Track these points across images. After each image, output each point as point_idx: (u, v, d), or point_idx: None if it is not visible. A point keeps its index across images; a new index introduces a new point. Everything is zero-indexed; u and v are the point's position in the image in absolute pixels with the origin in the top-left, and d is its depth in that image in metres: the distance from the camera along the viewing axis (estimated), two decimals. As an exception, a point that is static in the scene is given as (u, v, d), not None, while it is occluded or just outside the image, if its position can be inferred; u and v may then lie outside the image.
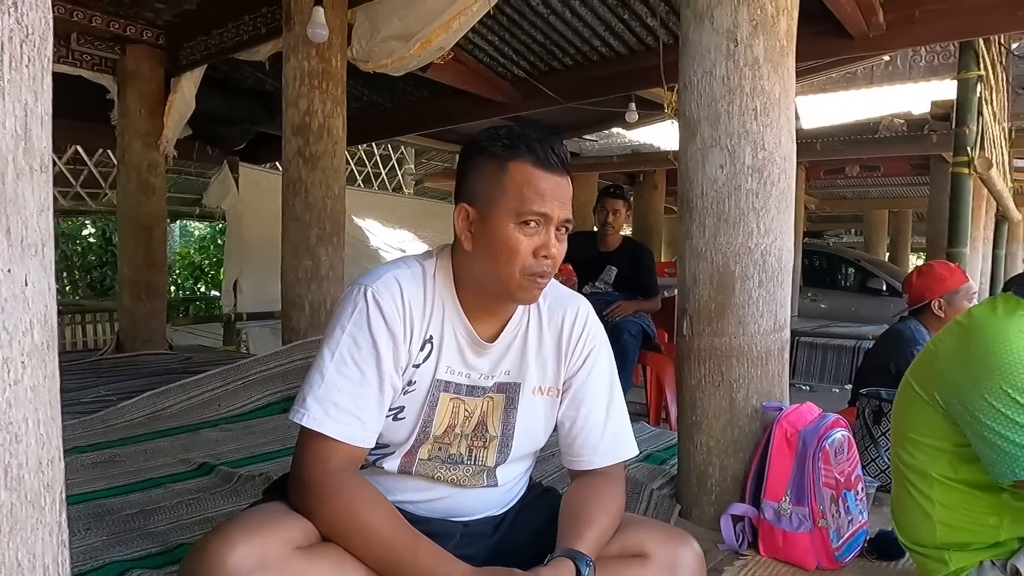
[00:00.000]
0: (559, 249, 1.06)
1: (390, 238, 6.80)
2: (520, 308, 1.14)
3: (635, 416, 3.39)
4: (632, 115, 4.57)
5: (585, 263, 3.74)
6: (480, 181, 1.05)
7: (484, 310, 1.10)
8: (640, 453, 2.59)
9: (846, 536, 1.60)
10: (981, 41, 3.37)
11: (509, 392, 1.14)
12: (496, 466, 1.14)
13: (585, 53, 3.93)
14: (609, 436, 1.19)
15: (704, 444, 1.83)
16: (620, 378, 3.74)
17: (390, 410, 1.06)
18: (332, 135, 3.18)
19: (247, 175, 5.92)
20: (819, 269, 9.40)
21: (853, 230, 14.96)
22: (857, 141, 6.01)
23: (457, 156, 3.95)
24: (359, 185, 9.86)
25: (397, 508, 1.13)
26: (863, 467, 2.19)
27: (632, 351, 3.38)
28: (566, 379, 1.19)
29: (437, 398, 1.08)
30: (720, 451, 1.80)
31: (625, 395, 3.63)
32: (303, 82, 3.12)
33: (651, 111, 4.62)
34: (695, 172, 1.82)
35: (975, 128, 3.18)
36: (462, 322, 1.09)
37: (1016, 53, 4.88)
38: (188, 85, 4.20)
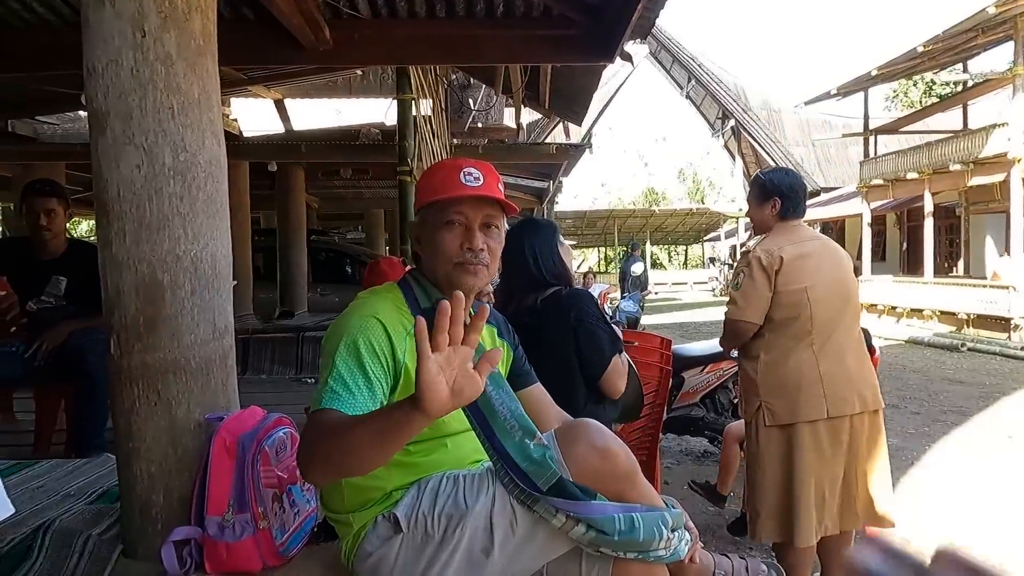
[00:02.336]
0: None
1: None
2: None
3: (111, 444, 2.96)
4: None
5: (24, 274, 3.08)
6: None
7: None
8: (93, 492, 2.26)
9: (292, 529, 1.66)
10: (418, 68, 3.98)
11: None
12: None
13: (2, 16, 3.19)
14: None
15: (145, 471, 1.66)
16: (92, 410, 3.17)
17: None
18: None
19: None
20: (326, 265, 9.91)
21: (359, 227, 16.35)
22: (341, 146, 6.50)
23: None
24: None
25: None
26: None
27: (101, 375, 2.90)
28: None
29: None
30: (163, 475, 1.67)
31: (106, 427, 3.07)
32: None
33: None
34: (109, 171, 1.63)
35: (413, 142, 3.76)
36: None
37: (454, 84, 6.00)
38: None
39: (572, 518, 1.21)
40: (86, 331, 2.93)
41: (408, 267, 1.97)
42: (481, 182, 1.37)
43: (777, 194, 2.38)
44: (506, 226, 1.49)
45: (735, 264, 2.51)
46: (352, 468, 1.14)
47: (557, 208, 21.22)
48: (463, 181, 1.36)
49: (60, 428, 3.20)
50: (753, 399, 2.33)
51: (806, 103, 19.48)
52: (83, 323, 2.94)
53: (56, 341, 2.92)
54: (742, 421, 3.57)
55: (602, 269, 33.51)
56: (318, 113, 7.23)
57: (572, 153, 6.80)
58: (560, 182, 10.10)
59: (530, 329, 2.11)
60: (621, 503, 1.25)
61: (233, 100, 6.41)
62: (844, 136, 20.72)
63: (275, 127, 6.81)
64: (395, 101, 4.41)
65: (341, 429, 1.11)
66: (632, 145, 61.45)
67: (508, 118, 8.15)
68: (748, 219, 2.56)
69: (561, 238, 2.40)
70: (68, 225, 3.20)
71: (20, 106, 5.57)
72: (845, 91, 16.77)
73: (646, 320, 12.83)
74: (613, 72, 15.92)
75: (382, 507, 1.36)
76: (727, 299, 2.49)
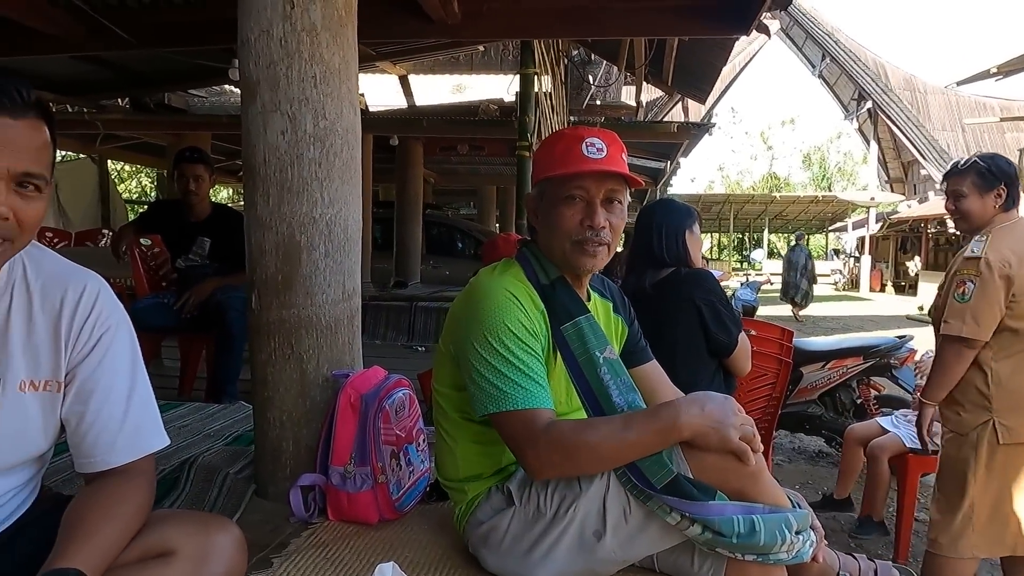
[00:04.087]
0: (11, 204, 0.88)
1: None
2: None
3: (243, 395, 3.22)
4: (235, 72, 4.23)
5: (174, 234, 3.37)
6: None
7: None
8: (229, 435, 2.46)
9: (407, 486, 1.73)
10: (541, 43, 3.95)
11: None
12: None
13: (165, -7, 3.47)
14: (129, 429, 1.06)
15: (277, 419, 1.79)
16: (229, 360, 3.45)
17: None
18: None
19: None
20: (439, 238, 10.15)
21: (471, 203, 16.66)
22: (459, 121, 6.60)
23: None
24: None
25: None
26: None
27: (239, 329, 3.15)
28: (69, 370, 1.03)
29: None
30: (293, 424, 1.78)
31: (239, 377, 3.34)
32: None
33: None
34: (257, 137, 1.73)
35: (533, 118, 3.75)
36: None
37: (574, 60, 5.92)
38: None
39: (687, 518, 1.15)
40: (228, 288, 3.18)
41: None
42: (604, 154, 1.29)
43: (1005, 181, 2.05)
44: (628, 199, 1.43)
45: (955, 269, 2.15)
46: (600, 469, 1.24)
47: (671, 190, 20.62)
48: (585, 153, 1.29)
49: (201, 375, 3.51)
50: (981, 412, 2.05)
51: (959, 83, 17.63)
52: (225, 280, 3.19)
53: (202, 296, 3.19)
54: (867, 423, 3.36)
55: (714, 256, 32.31)
56: (439, 89, 7.37)
57: (694, 132, 6.56)
58: (678, 163, 9.78)
59: (648, 305, 2.07)
60: (742, 502, 1.17)
61: (361, 75, 6.67)
62: (1003, 120, 18.65)
63: (398, 102, 7.03)
64: (515, 78, 4.41)
65: (606, 439, 1.19)
66: (756, 127, 58.44)
67: (627, 96, 7.96)
68: (953, 210, 2.11)
69: (695, 227, 2.34)
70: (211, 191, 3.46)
71: (175, 80, 6.07)
72: (1008, 70, 14.99)
73: (764, 311, 12.31)
74: (740, 49, 15.15)
75: (496, 479, 1.37)
76: (941, 311, 2.10)
